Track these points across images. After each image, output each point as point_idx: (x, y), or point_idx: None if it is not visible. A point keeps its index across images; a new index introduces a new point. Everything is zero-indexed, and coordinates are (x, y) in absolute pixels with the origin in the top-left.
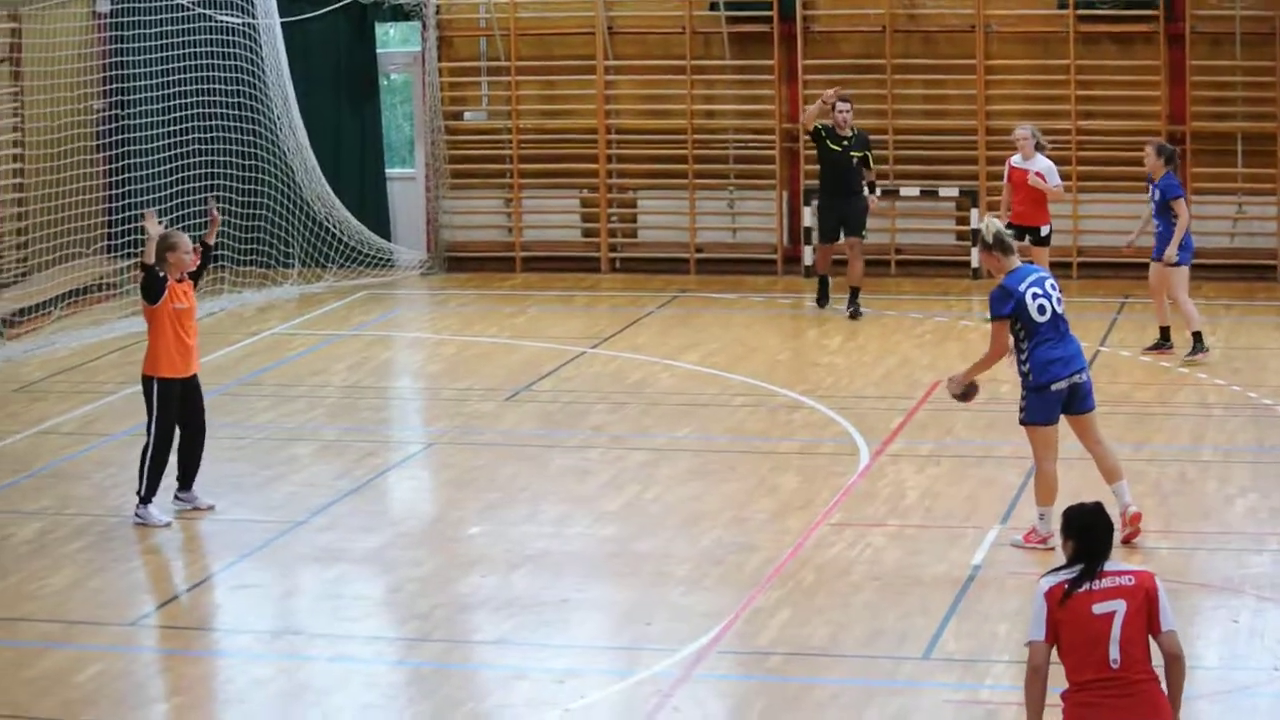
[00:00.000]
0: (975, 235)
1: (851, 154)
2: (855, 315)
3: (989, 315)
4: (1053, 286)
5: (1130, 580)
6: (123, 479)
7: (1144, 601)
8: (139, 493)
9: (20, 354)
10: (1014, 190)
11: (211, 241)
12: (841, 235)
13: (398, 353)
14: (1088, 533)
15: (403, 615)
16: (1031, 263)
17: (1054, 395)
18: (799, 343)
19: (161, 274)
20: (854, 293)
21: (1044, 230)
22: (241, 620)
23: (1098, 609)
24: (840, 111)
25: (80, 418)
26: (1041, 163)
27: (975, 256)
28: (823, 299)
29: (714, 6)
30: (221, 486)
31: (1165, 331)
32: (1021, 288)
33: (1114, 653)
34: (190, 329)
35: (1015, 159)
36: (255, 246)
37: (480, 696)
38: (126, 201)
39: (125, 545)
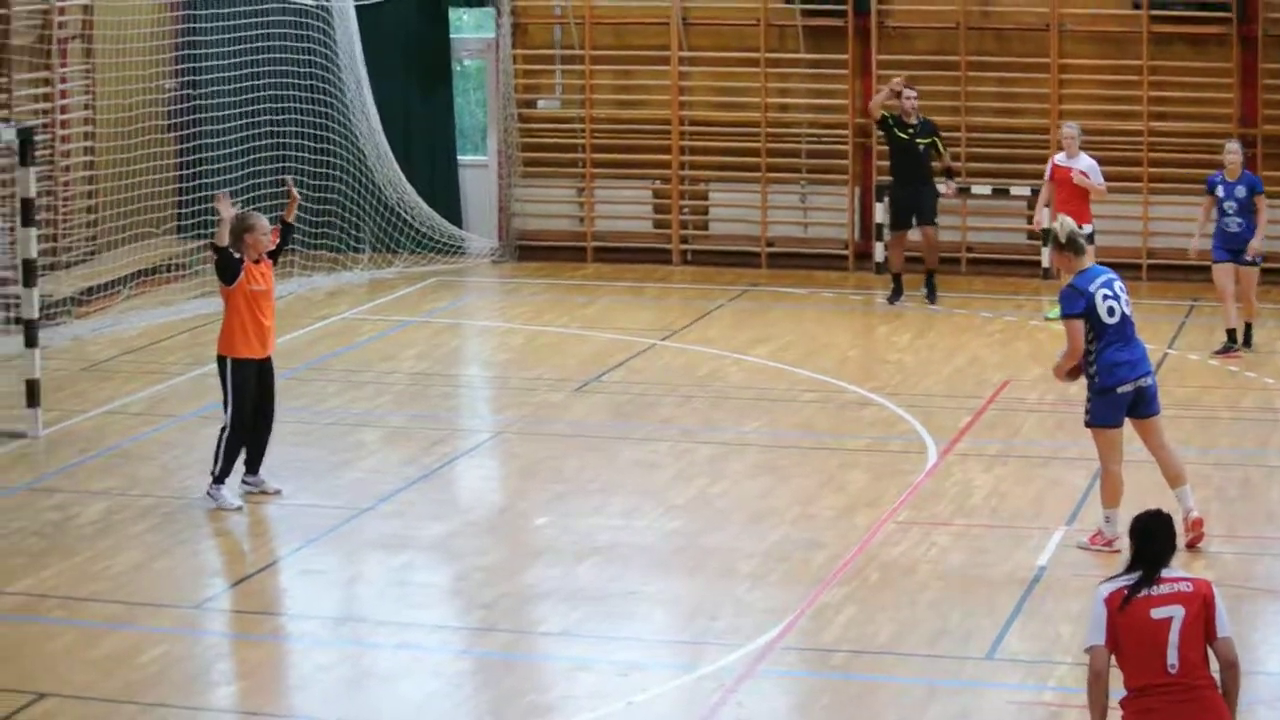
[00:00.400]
0: (1046, 235)
1: (919, 141)
2: (932, 299)
3: (1060, 314)
4: (1121, 289)
5: (1188, 587)
6: (189, 460)
7: (1201, 608)
8: (213, 472)
9: (89, 333)
10: (1057, 188)
11: (291, 219)
12: (914, 223)
13: (467, 340)
14: (1148, 538)
15: (468, 604)
16: (1102, 264)
17: (1120, 398)
18: (869, 339)
19: (237, 255)
20: (929, 277)
21: (1086, 228)
22: (306, 605)
23: (1156, 614)
24: (906, 99)
25: (148, 398)
26: (1084, 161)
27: (1046, 256)
28: (896, 295)
29: (789, 0)
30: (289, 471)
31: (1233, 334)
32: (1091, 288)
33: (1172, 658)
34: (267, 310)
35: (1059, 157)
36: (326, 230)
37: (543, 688)
38: (197, 182)
39: (191, 527)
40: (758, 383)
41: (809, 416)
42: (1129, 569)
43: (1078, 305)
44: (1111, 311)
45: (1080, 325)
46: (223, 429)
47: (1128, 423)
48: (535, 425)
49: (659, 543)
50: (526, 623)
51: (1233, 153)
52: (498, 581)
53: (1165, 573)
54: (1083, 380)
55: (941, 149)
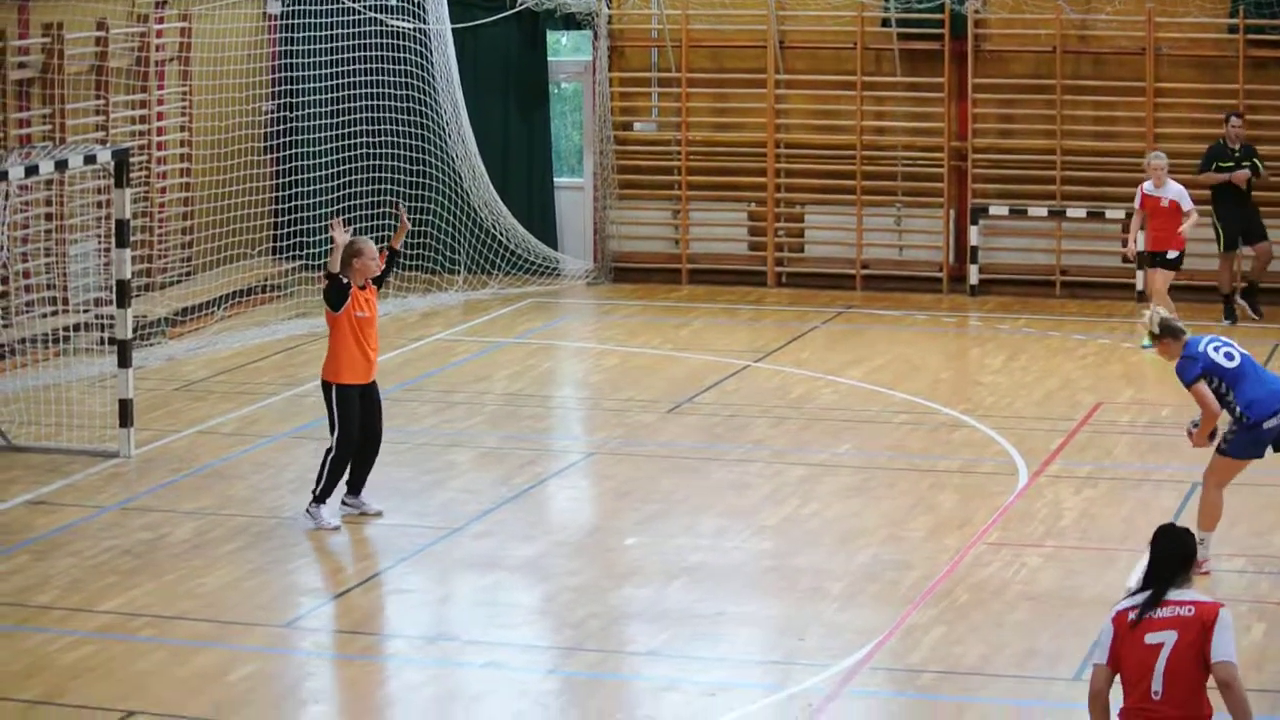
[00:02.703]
0: (1142, 257)
1: (1243, 164)
2: (1256, 312)
3: (1185, 383)
4: (1227, 340)
5: (1190, 611)
6: (280, 481)
7: (1198, 634)
8: (315, 491)
9: (183, 353)
10: (1149, 217)
11: (398, 246)
12: (1240, 244)
13: (560, 362)
14: (1155, 557)
15: (557, 624)
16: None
17: (1267, 433)
18: (962, 362)
19: (345, 281)
20: (1252, 288)
21: (1172, 255)
22: (396, 624)
23: (1149, 639)
24: (1232, 126)
25: (240, 418)
26: (1173, 189)
27: (1140, 280)
28: (1230, 314)
29: (886, 23)
30: (381, 490)
31: None
32: (1201, 347)
33: (1156, 684)
34: (371, 336)
35: (1147, 186)
36: (421, 251)
37: (630, 707)
38: (293, 204)
39: (282, 547)
40: (850, 404)
41: (901, 438)
42: (1141, 588)
43: (1194, 370)
44: (1229, 356)
45: (1204, 387)
46: (328, 450)
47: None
48: (627, 446)
49: (749, 563)
50: (615, 643)
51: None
52: (587, 602)
53: (1175, 594)
54: (1178, 402)
55: (1260, 169)
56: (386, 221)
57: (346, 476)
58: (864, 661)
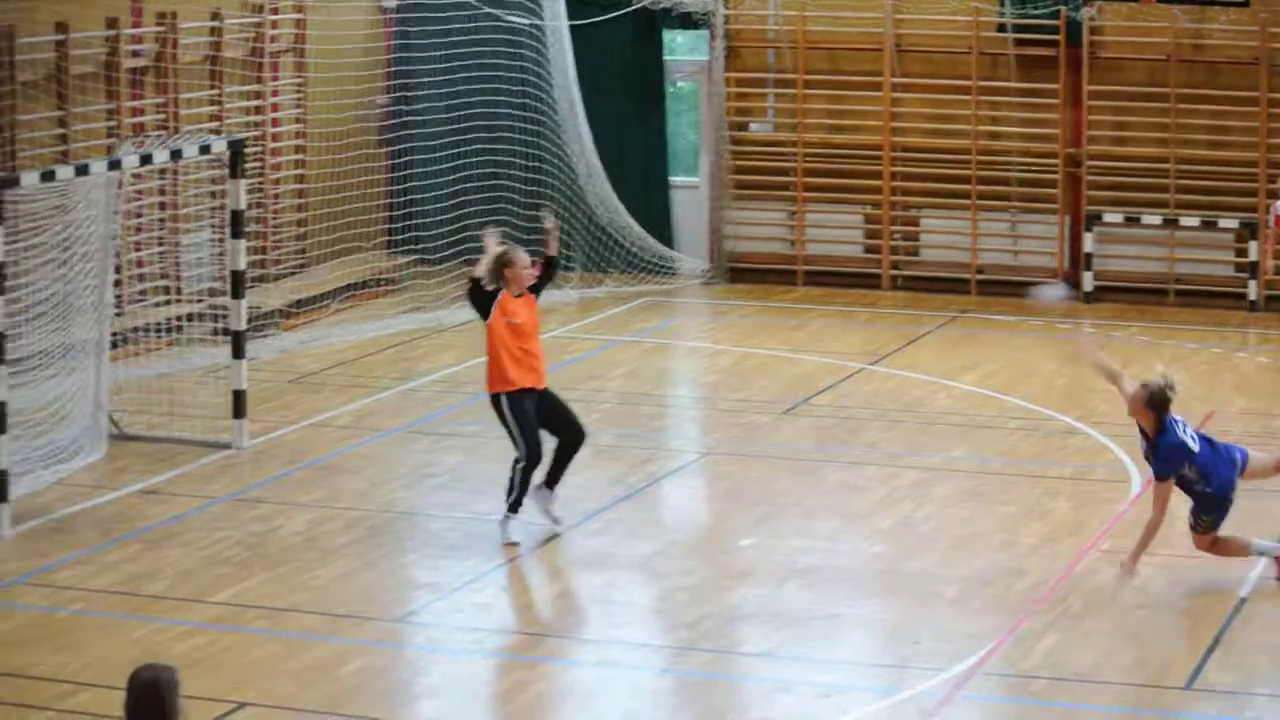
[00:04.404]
0: (1253, 267)
1: None
2: None
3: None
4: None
5: None
6: (393, 475)
7: None
8: (507, 502)
9: (297, 345)
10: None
11: (553, 253)
12: None
13: (676, 361)
14: None
15: (671, 623)
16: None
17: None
18: (1075, 368)
19: (491, 288)
20: None
21: None
22: (509, 621)
23: None
24: None
25: (354, 412)
26: None
27: (1252, 290)
28: None
29: (1001, 29)
30: (496, 486)
31: None
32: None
33: None
34: (530, 343)
35: (1278, 206)
36: (536, 249)
37: (743, 708)
38: (408, 198)
39: (394, 541)
40: (964, 409)
41: (1014, 444)
42: None
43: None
44: (1195, 438)
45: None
46: (516, 460)
47: None
48: (742, 446)
49: (862, 566)
50: (728, 643)
51: None
52: (701, 601)
53: None
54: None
55: None
56: (501, 215)
57: (546, 469)
58: (977, 666)
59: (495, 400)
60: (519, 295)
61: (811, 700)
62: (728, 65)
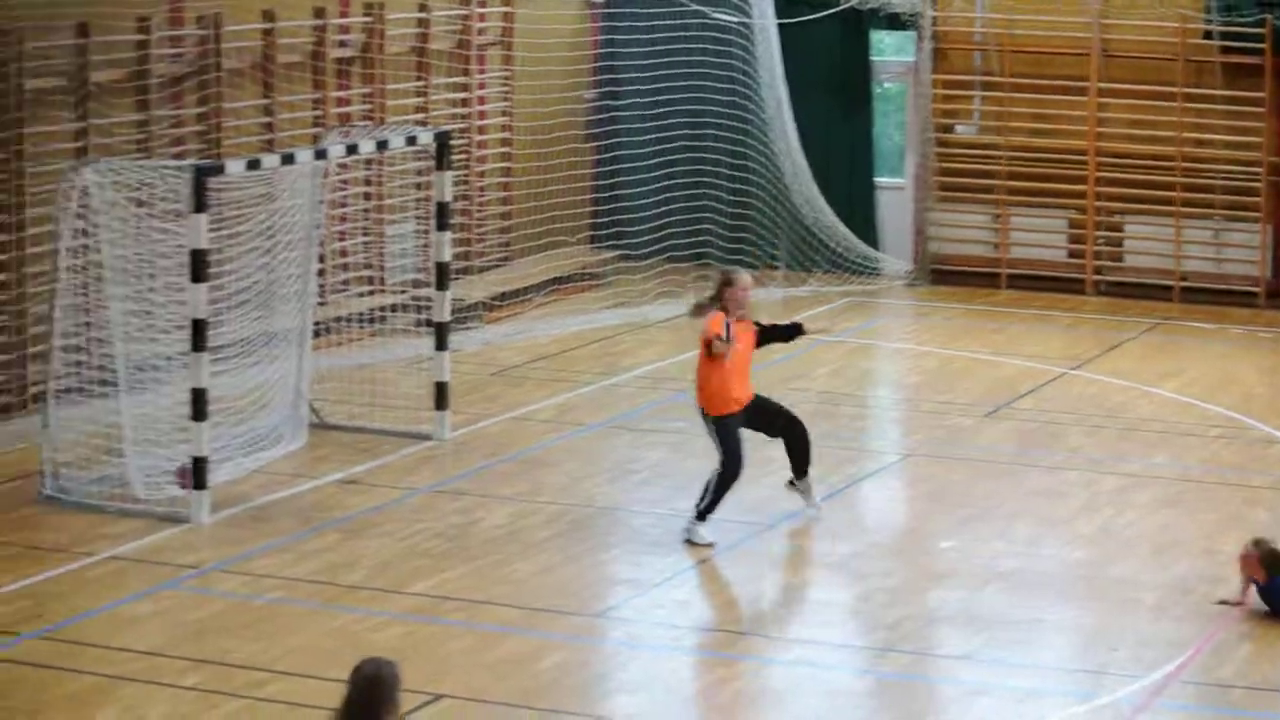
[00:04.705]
0: None
1: None
2: None
3: None
4: None
5: None
6: (596, 469)
7: None
8: (698, 506)
9: (500, 338)
10: None
11: (799, 322)
12: None
13: (879, 362)
14: None
15: (870, 624)
16: None
17: None
18: (1276, 377)
19: (722, 336)
20: None
21: None
22: (707, 618)
23: None
24: None
25: (556, 406)
26: None
27: None
28: None
29: (1208, 35)
30: (695, 484)
31: None
32: None
33: None
34: (742, 365)
35: None
36: (741, 246)
37: (939, 711)
38: (612, 193)
39: (595, 536)
40: (1166, 416)
41: (1215, 452)
42: None
43: None
44: None
45: None
46: (715, 470)
47: None
48: (944, 449)
49: (1062, 571)
50: (927, 645)
51: None
52: (900, 603)
53: None
54: None
55: None
56: (706, 214)
57: (791, 464)
58: (1174, 674)
59: (705, 416)
60: (740, 318)
61: (1009, 704)
62: (935, 67)
